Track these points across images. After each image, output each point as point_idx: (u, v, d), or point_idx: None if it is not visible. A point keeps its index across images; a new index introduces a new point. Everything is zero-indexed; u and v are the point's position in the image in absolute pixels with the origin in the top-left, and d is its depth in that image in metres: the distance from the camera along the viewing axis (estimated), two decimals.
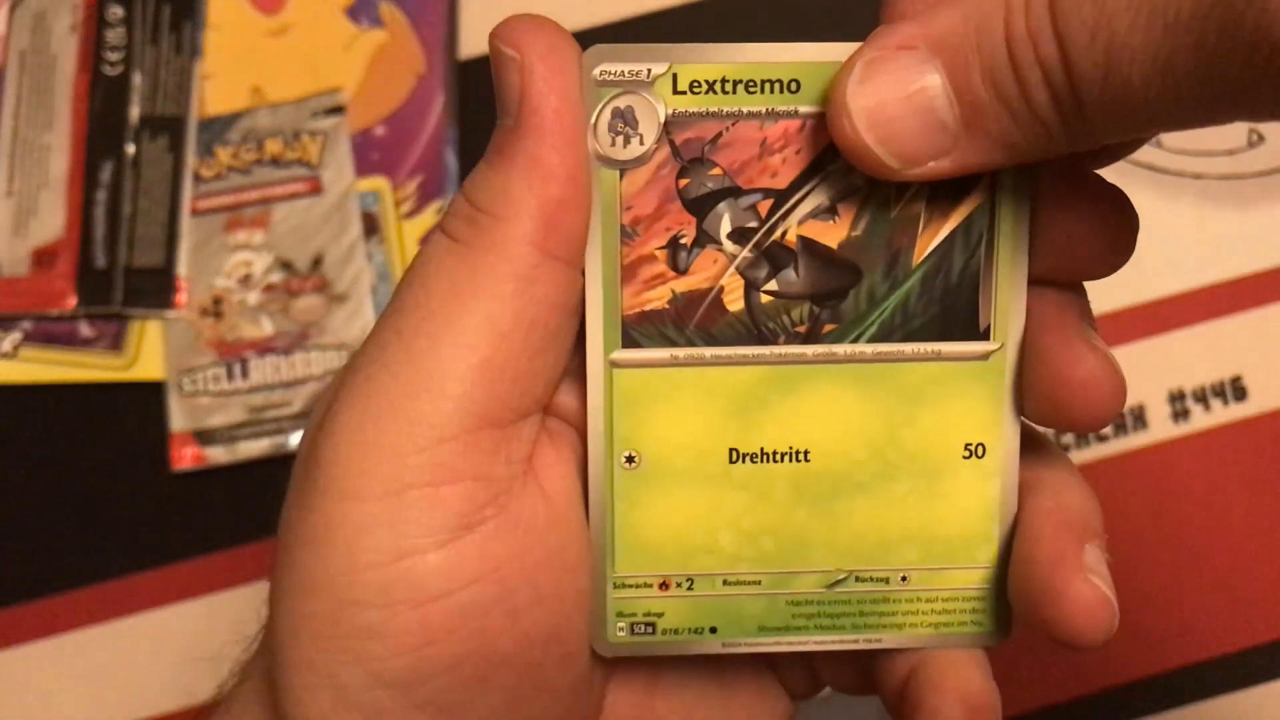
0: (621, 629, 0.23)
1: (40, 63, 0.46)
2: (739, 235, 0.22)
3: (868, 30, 0.20)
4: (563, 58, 0.20)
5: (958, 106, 0.19)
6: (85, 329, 0.44)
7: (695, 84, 0.21)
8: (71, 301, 0.44)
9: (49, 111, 0.46)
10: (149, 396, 0.44)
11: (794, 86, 0.21)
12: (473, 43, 0.46)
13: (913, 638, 0.23)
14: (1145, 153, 0.44)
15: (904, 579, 0.23)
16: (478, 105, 0.44)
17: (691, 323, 0.22)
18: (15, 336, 0.44)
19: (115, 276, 0.44)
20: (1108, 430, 0.42)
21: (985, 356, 0.22)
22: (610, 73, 0.21)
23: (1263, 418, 0.42)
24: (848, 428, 0.22)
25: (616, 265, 0.22)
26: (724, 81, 0.21)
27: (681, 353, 0.22)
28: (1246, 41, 0.15)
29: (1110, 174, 0.22)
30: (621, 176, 0.21)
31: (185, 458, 0.43)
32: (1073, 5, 0.17)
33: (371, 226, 0.44)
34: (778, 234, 0.22)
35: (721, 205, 0.22)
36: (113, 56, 0.46)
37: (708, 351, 0.22)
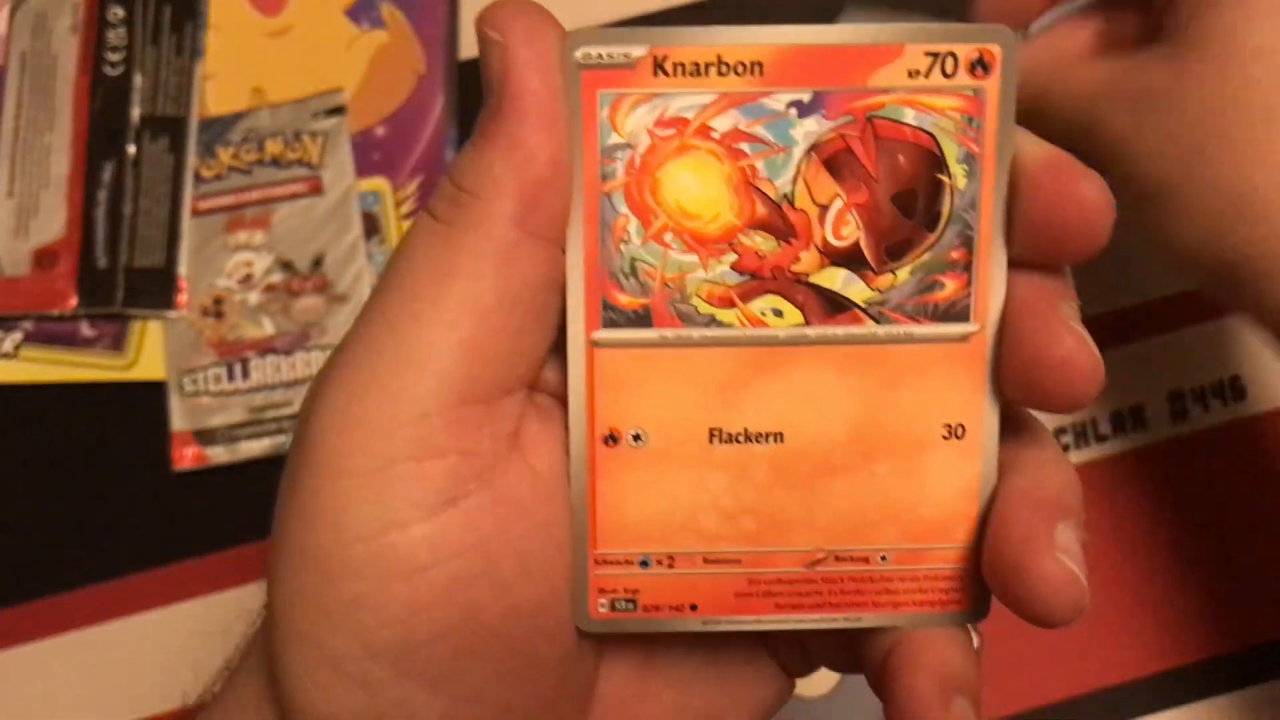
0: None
1: (41, 63, 0.46)
2: None
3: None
4: (545, 41, 0.21)
5: None
6: (86, 329, 0.44)
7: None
8: (72, 302, 0.44)
9: (50, 112, 0.46)
10: (150, 396, 0.44)
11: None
12: (473, 43, 0.46)
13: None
14: None
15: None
16: (478, 105, 0.44)
17: None
18: (16, 336, 0.44)
19: (116, 277, 0.44)
20: (1107, 430, 0.42)
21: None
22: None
23: (1261, 417, 0.42)
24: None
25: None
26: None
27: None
28: None
29: None
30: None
31: (186, 458, 0.43)
32: None
33: (372, 227, 0.45)
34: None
35: None
36: (114, 57, 0.46)
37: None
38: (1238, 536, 0.41)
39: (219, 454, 0.43)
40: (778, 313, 0.22)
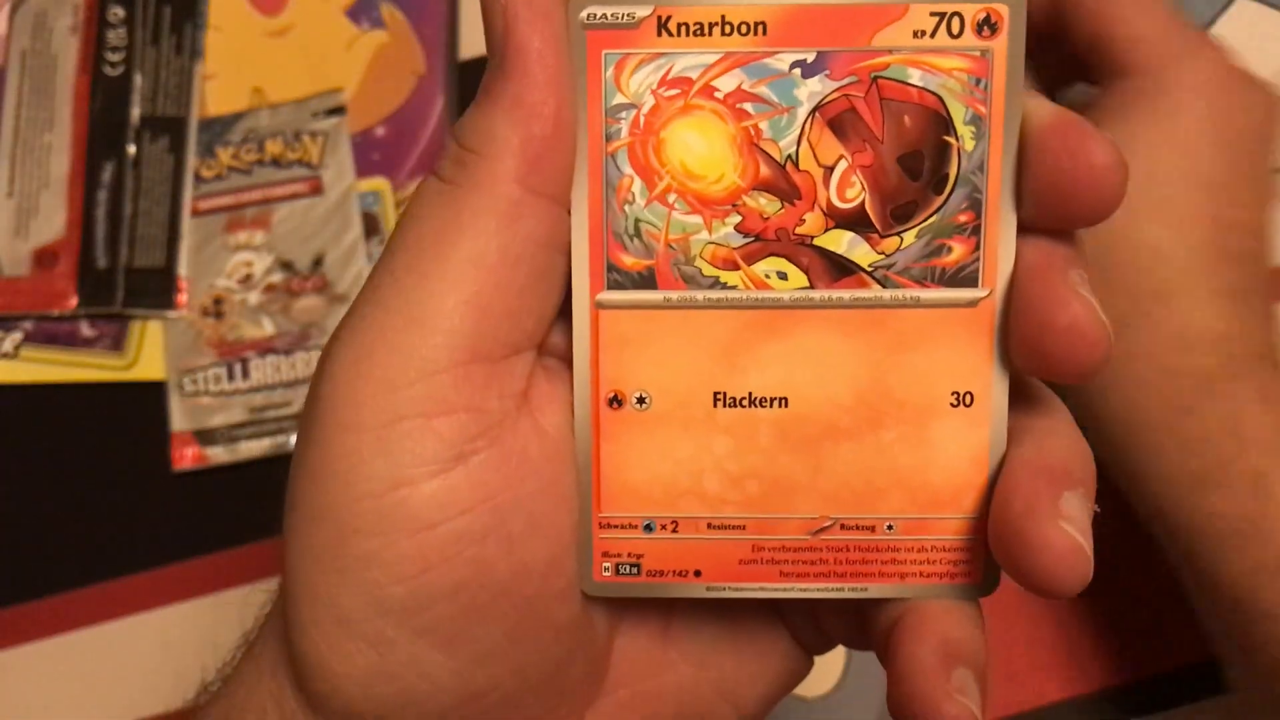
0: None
1: (41, 63, 0.46)
2: None
3: None
4: (547, 1, 0.21)
5: None
6: (86, 329, 0.44)
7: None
8: (72, 302, 0.44)
9: (50, 112, 0.46)
10: (150, 396, 0.44)
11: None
12: (473, 43, 0.46)
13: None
14: None
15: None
16: None
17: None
18: (16, 336, 0.44)
19: (116, 277, 0.44)
20: None
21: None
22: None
23: None
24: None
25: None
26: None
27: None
28: None
29: None
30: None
31: (186, 457, 0.43)
32: None
33: (372, 227, 0.45)
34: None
35: None
36: (114, 57, 0.46)
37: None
38: None
39: (219, 454, 0.43)
40: (782, 275, 0.22)
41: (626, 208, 0.22)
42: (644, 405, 0.23)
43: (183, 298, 0.44)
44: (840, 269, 0.22)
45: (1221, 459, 0.33)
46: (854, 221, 0.22)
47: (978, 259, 0.22)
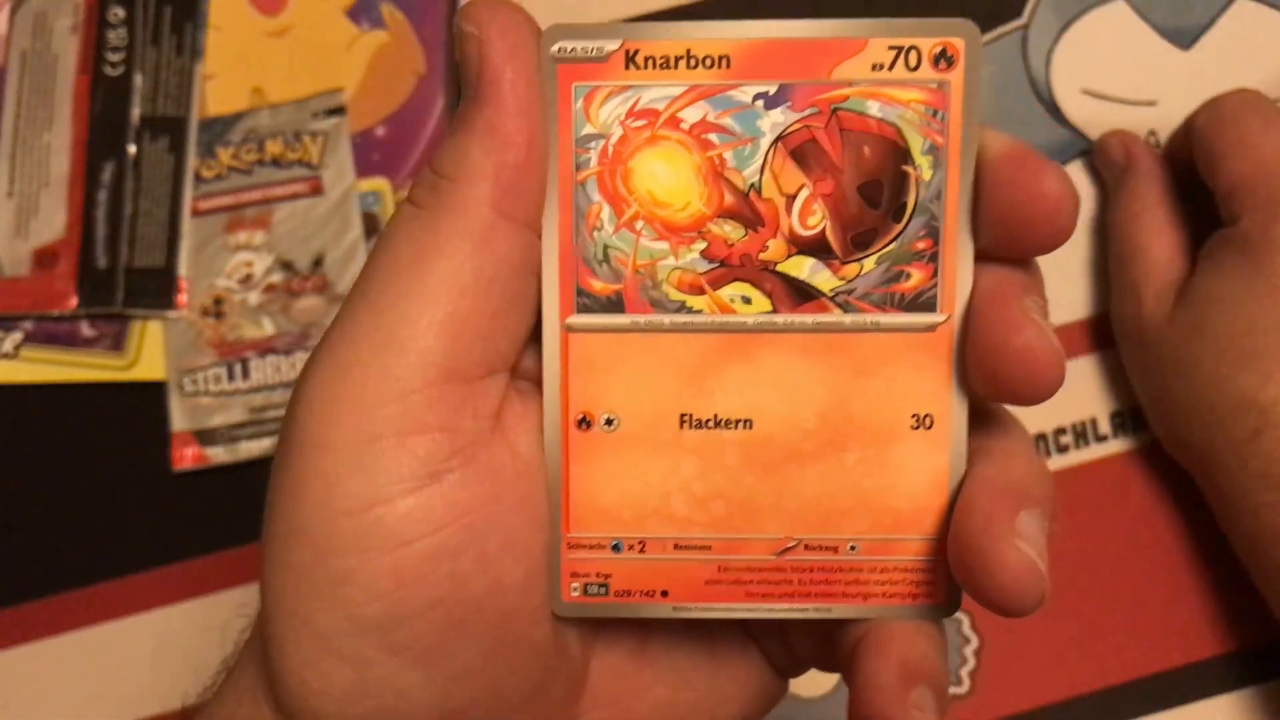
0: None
1: (41, 63, 0.46)
2: None
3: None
4: (520, 34, 0.22)
5: None
6: (86, 329, 0.44)
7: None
8: (72, 302, 0.44)
9: (50, 112, 0.46)
10: (150, 396, 0.44)
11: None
12: None
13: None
14: None
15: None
16: None
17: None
18: (16, 337, 0.44)
19: (116, 277, 0.44)
20: (1107, 430, 0.42)
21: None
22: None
23: None
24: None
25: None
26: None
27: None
28: None
29: None
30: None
31: (186, 458, 0.43)
32: None
33: (372, 227, 0.45)
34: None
35: None
36: (114, 57, 0.46)
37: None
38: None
39: (219, 454, 0.43)
40: (746, 300, 0.23)
41: (595, 234, 0.22)
42: (612, 427, 0.23)
43: (183, 298, 0.44)
44: (802, 294, 0.23)
45: None
46: (816, 248, 0.22)
47: (936, 285, 0.22)
